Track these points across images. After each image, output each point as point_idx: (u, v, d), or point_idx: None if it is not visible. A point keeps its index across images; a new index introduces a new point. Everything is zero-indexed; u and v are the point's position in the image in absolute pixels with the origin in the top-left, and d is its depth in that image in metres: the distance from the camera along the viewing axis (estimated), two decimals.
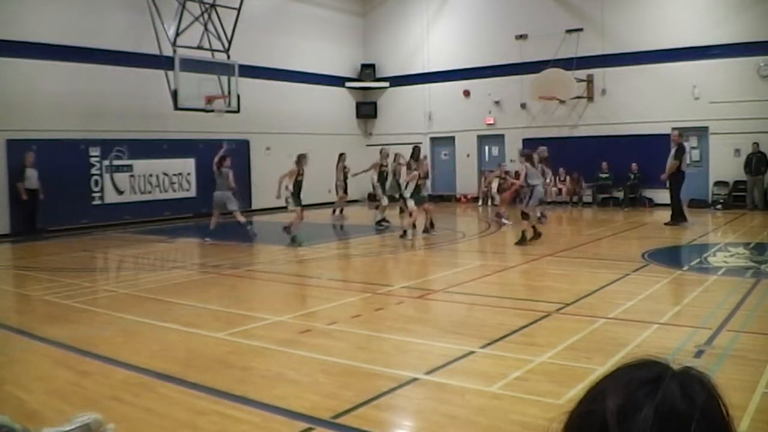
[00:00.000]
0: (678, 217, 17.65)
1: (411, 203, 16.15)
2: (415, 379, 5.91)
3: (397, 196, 17.70)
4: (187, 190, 22.33)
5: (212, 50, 20.62)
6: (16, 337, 7.96)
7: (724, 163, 20.39)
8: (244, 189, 20.84)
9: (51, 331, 7.94)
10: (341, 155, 21.58)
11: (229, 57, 21.01)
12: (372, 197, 19.58)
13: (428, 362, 6.41)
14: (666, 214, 19.76)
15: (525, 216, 15.09)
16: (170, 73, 19.11)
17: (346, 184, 21.50)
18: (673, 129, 19.11)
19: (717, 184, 21.63)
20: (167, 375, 6.17)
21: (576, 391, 5.25)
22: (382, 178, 18.99)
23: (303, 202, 16.01)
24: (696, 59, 21.85)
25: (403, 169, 17.88)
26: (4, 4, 17.97)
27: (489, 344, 6.93)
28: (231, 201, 16.59)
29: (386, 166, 18.87)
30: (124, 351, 7.04)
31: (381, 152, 19.18)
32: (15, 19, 18.14)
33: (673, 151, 17.72)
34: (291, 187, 15.60)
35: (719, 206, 21.29)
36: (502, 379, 5.76)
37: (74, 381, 6.18)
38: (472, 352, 6.71)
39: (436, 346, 6.95)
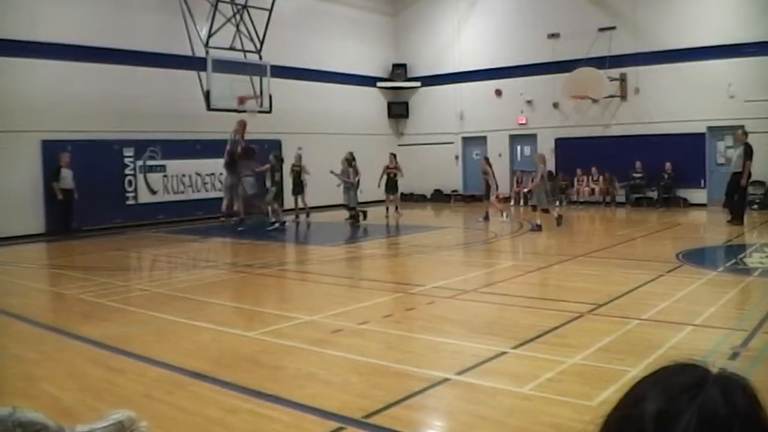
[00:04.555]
0: (736, 217, 17.48)
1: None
2: (447, 380, 5.89)
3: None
4: (220, 190, 22.43)
5: (244, 51, 20.72)
6: (50, 334, 8.07)
7: (760, 163, 20.01)
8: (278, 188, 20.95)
9: (85, 329, 8.03)
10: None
11: (261, 57, 21.10)
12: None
13: (459, 362, 6.38)
14: (701, 214, 19.55)
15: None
16: (203, 74, 19.24)
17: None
18: (738, 129, 18.61)
19: (753, 183, 21.24)
20: (199, 373, 6.21)
21: (608, 393, 5.20)
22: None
23: None
24: (731, 57, 21.52)
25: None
26: (38, 7, 18.21)
27: (521, 345, 6.88)
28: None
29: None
30: (156, 349, 7.09)
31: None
32: (49, 21, 18.36)
33: (740, 150, 17.48)
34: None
35: (755, 206, 20.93)
36: (533, 380, 5.71)
37: (108, 379, 6.24)
38: (504, 353, 6.68)
39: (468, 347, 6.92)
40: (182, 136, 21.36)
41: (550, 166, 25.78)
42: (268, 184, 19.24)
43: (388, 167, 22.00)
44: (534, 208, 17.92)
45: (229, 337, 7.62)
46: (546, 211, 17.60)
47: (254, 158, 18.97)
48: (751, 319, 7.69)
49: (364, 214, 20.34)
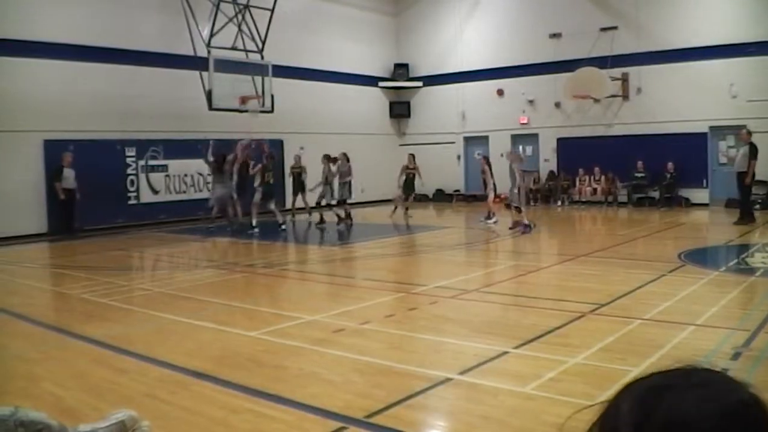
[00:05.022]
0: (747, 217, 17.45)
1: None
2: (449, 379, 5.89)
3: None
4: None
5: (246, 51, 20.74)
6: (52, 334, 8.07)
7: (762, 162, 19.97)
8: (278, 188, 20.96)
9: (87, 329, 8.03)
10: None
11: (262, 57, 21.13)
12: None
13: (461, 362, 6.38)
14: (702, 214, 19.54)
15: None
16: (205, 73, 19.26)
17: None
18: (742, 128, 18.43)
19: (756, 183, 21.20)
20: (202, 373, 6.21)
21: (610, 393, 5.16)
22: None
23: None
24: (733, 56, 21.48)
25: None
26: (39, 7, 18.23)
27: (523, 345, 6.88)
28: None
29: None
30: (159, 349, 7.10)
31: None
32: (50, 21, 18.39)
33: (744, 150, 17.46)
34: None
35: (757, 206, 20.82)
36: (535, 380, 5.71)
37: (110, 378, 6.25)
38: (506, 353, 6.68)
39: (470, 346, 6.92)
40: (184, 136, 21.36)
41: (552, 165, 25.88)
42: (257, 183, 19.10)
43: (407, 167, 21.95)
44: (518, 210, 17.68)
45: (231, 337, 7.62)
46: (519, 210, 17.47)
47: (224, 171, 18.73)
48: (753, 319, 7.68)
49: (321, 217, 20.16)
